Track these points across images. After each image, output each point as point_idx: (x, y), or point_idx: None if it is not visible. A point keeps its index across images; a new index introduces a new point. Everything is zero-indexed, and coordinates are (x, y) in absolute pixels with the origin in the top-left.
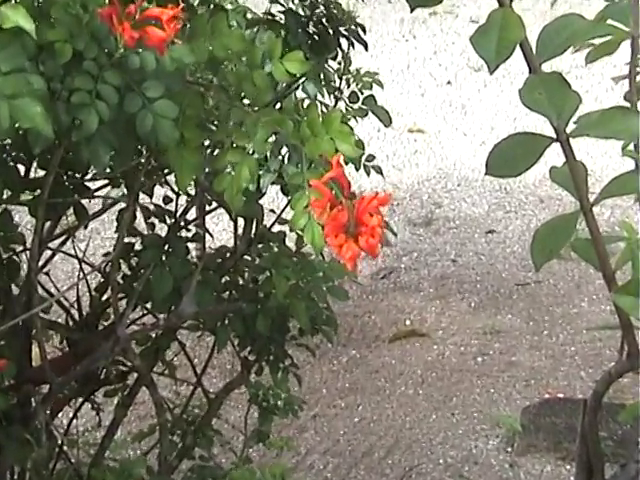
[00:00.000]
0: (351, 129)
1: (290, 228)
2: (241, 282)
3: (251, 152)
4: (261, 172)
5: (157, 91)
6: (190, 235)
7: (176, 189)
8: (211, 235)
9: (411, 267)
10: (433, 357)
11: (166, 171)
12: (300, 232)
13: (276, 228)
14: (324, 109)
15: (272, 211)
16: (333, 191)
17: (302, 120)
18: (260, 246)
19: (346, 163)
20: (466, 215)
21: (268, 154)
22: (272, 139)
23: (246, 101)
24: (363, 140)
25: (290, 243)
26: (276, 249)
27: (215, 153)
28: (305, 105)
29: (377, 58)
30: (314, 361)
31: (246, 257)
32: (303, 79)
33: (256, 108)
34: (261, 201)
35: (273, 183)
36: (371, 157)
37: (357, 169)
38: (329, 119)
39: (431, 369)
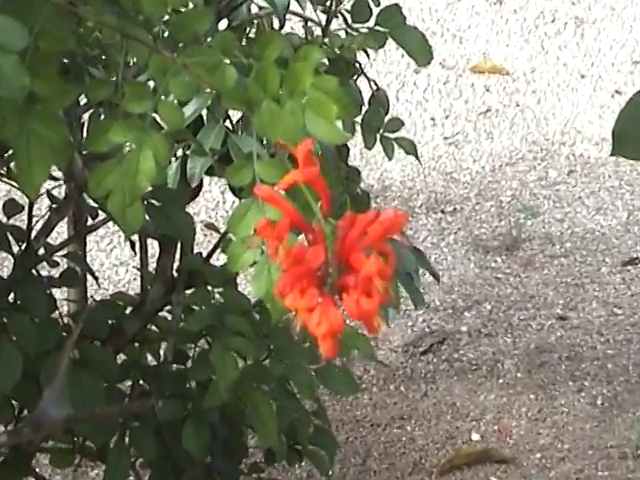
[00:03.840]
0: (341, 84)
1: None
2: (154, 362)
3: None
4: (189, 153)
5: None
6: (57, 274)
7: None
8: (94, 276)
9: (480, 331)
10: None
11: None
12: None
13: (222, 258)
14: (302, 35)
15: (210, 227)
16: (306, 202)
17: (253, 65)
18: (189, 293)
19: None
20: (585, 232)
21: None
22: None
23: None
24: (386, 91)
25: (247, 286)
26: (220, 298)
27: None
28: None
29: None
30: None
31: (164, 314)
32: None
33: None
34: (195, 206)
35: (210, 173)
36: (396, 123)
37: (368, 147)
38: (295, 69)
39: None
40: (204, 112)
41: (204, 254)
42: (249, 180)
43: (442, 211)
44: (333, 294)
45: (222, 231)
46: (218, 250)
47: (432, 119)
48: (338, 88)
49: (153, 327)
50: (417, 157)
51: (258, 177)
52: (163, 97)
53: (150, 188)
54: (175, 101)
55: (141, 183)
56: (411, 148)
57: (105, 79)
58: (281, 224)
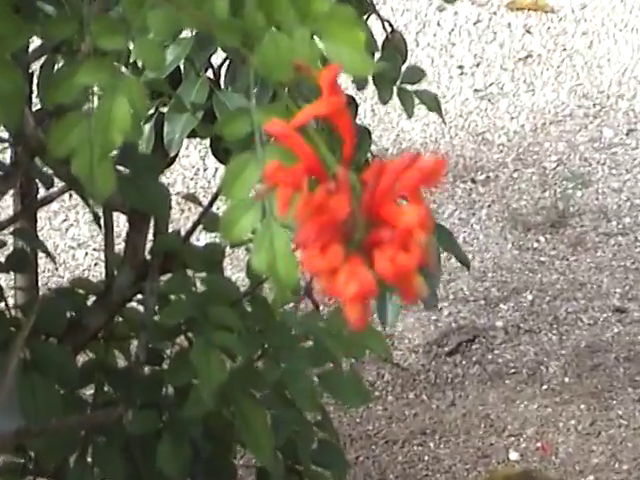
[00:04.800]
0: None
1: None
2: (122, 363)
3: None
4: (165, 110)
5: None
6: (2, 257)
7: None
8: (52, 258)
9: (518, 327)
10: None
11: None
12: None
13: (204, 237)
14: None
15: (189, 198)
16: (319, 150)
17: None
18: (165, 279)
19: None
20: None
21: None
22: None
23: None
24: (403, 33)
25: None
26: (201, 287)
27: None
28: None
29: None
30: None
31: (134, 305)
32: None
33: None
34: (170, 175)
35: (193, 135)
36: (416, 73)
37: (383, 101)
38: None
39: None
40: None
41: (182, 232)
42: (246, 131)
43: (472, 180)
44: (361, 251)
45: (204, 204)
46: (199, 227)
47: (460, 67)
48: (357, 18)
49: (121, 320)
50: (441, 114)
51: (258, 127)
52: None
53: (116, 152)
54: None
55: (114, 137)
56: (434, 103)
57: (67, 15)
58: (297, 168)
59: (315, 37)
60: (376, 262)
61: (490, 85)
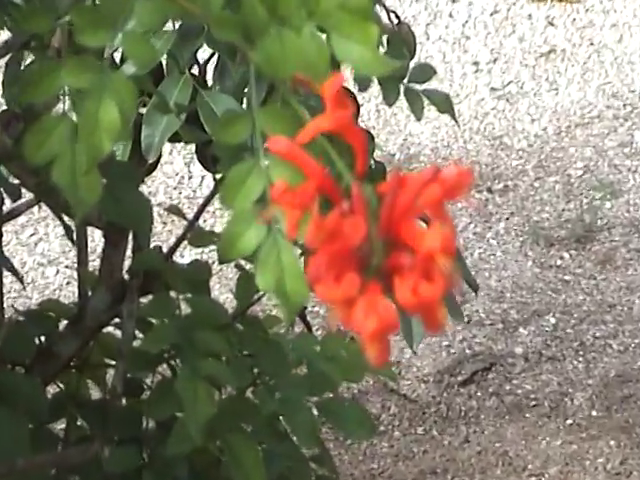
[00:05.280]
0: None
1: (220, 259)
2: (98, 394)
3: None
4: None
5: None
6: None
7: None
8: (18, 277)
9: (540, 354)
10: None
11: None
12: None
13: (189, 254)
14: None
15: (173, 211)
16: (331, 165)
17: None
18: (146, 301)
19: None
20: None
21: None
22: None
23: None
24: (411, 25)
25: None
26: (186, 309)
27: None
28: None
29: None
30: None
31: (111, 330)
32: None
33: None
34: (151, 184)
35: (176, 140)
36: (426, 71)
37: (388, 102)
38: None
39: None
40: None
41: (165, 248)
42: (246, 136)
43: (489, 189)
44: (380, 278)
45: (189, 216)
46: (184, 243)
47: (475, 64)
48: (371, 8)
49: (96, 347)
50: (454, 116)
51: (260, 132)
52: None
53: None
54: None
55: (102, 143)
56: (445, 104)
57: (39, 6)
58: (306, 187)
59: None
60: (397, 291)
61: (508, 83)
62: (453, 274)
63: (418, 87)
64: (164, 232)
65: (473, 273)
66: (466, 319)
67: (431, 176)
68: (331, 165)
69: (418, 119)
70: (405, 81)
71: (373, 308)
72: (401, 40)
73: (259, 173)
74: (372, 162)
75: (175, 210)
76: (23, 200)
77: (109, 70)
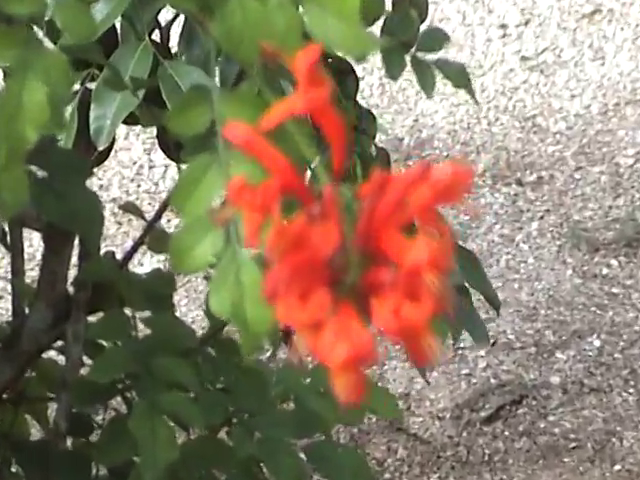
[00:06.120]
0: None
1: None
2: (37, 434)
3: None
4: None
5: None
6: None
7: None
8: None
9: (582, 384)
10: None
11: None
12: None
13: (148, 261)
14: None
15: (129, 209)
16: (298, 159)
17: None
18: (96, 320)
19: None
20: None
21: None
22: None
23: None
24: None
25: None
26: (145, 330)
27: None
28: None
29: None
30: None
31: (53, 355)
32: None
33: None
34: (102, 175)
35: (133, 122)
36: (438, 37)
37: (393, 75)
38: None
39: None
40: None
41: (119, 255)
42: (205, 125)
43: (519, 182)
44: (355, 299)
45: (149, 216)
46: (142, 248)
47: (502, 27)
48: None
49: (34, 376)
50: (472, 93)
51: (220, 119)
52: None
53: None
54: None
55: (25, 131)
56: (462, 78)
57: None
58: (268, 186)
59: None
60: (375, 314)
61: (543, 51)
62: (445, 294)
63: (429, 57)
64: (118, 234)
65: (500, 284)
66: (491, 341)
67: (420, 175)
68: (301, 159)
69: (429, 96)
70: (413, 50)
71: (345, 333)
72: None
73: (219, 170)
74: (374, 149)
75: (132, 208)
76: None
77: (37, 44)
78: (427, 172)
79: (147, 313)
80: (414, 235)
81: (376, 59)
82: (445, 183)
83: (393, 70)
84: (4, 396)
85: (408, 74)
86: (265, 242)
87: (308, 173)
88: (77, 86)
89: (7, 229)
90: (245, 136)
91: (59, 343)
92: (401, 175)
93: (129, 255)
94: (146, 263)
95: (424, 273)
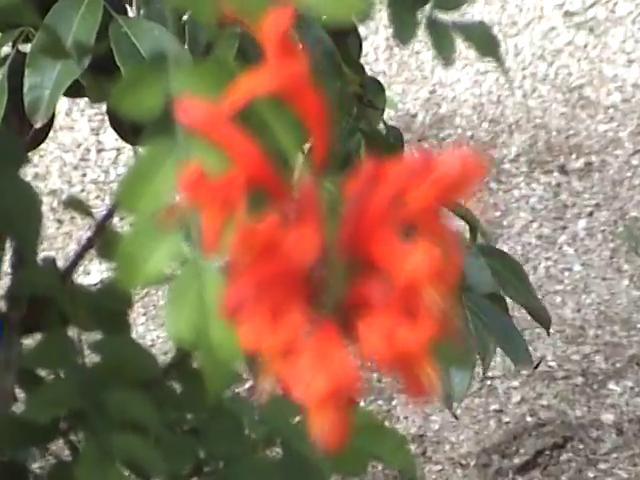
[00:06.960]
0: None
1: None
2: None
3: None
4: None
5: None
6: None
7: None
8: None
9: (636, 420)
10: None
11: None
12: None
13: (97, 269)
14: None
15: (73, 205)
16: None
17: None
18: (33, 344)
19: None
20: None
21: None
22: None
23: None
24: None
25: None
26: (93, 356)
27: None
28: None
29: None
30: None
31: None
32: None
33: None
34: (41, 164)
35: (77, 94)
36: None
37: (402, 39)
38: None
39: None
40: None
41: (61, 262)
42: (159, 103)
43: (562, 169)
44: (338, 319)
45: (98, 213)
46: (90, 253)
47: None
48: None
49: None
50: (501, 60)
51: (176, 95)
52: None
53: None
54: None
55: None
56: (487, 42)
57: None
58: (232, 178)
59: None
60: (362, 337)
61: (592, 5)
62: (448, 314)
63: (447, 17)
64: (59, 236)
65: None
66: (533, 366)
67: (420, 167)
68: (273, 145)
69: (447, 64)
70: (427, 8)
71: (324, 361)
72: None
73: (175, 160)
74: (383, 127)
75: (76, 203)
76: None
77: None
78: (429, 163)
79: (96, 335)
80: (412, 240)
81: (382, 16)
82: (451, 176)
83: (403, 32)
84: None
85: (422, 34)
86: (227, 247)
87: (283, 163)
88: (7, 49)
89: None
90: (205, 117)
91: None
92: (397, 165)
93: (74, 262)
94: (94, 272)
95: (424, 287)
